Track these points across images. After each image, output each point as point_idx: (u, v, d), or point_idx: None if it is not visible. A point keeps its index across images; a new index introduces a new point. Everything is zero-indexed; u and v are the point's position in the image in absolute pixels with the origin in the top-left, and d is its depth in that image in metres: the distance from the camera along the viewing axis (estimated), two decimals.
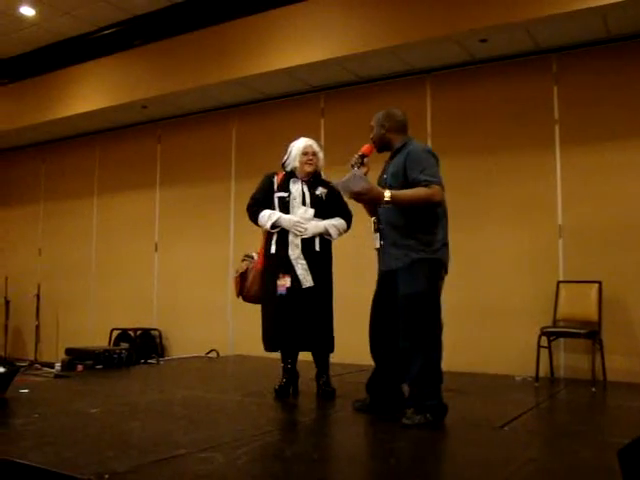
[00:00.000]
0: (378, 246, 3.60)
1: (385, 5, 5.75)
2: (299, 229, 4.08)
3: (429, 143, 6.18)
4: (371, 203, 3.53)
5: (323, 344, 4.14)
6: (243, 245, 7.06)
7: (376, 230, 3.62)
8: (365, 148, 3.66)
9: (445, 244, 3.52)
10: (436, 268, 3.46)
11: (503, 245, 5.78)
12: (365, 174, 3.51)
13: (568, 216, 5.53)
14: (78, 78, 7.79)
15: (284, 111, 7.11)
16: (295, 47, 6.18)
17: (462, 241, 5.91)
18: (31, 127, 8.35)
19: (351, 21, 5.91)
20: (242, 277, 4.37)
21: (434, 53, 5.86)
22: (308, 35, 6.11)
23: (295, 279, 4.06)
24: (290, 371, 4.25)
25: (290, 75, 6.45)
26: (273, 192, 4.23)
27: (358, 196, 3.38)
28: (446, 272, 3.56)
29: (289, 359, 4.25)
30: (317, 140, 4.43)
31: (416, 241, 3.42)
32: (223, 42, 6.60)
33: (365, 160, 3.63)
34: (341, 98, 6.78)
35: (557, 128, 5.65)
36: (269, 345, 4.20)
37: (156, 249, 7.99)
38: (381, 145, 3.68)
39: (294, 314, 4.04)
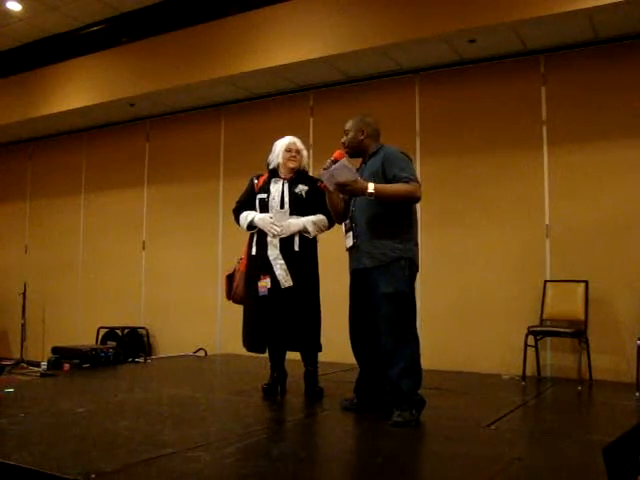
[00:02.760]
0: (351, 244, 3.62)
1: (374, 4, 5.75)
2: (272, 229, 4.07)
3: (417, 142, 6.21)
4: (353, 195, 3.53)
5: (309, 343, 4.14)
6: (232, 244, 7.06)
7: (349, 229, 3.64)
8: (337, 153, 3.67)
9: (416, 244, 3.59)
10: (412, 266, 3.51)
11: (490, 244, 5.80)
12: None
13: (555, 216, 5.57)
14: (65, 75, 7.73)
15: (273, 110, 7.10)
16: (284, 46, 6.17)
17: (450, 240, 5.97)
18: (17, 124, 8.29)
19: (340, 20, 5.91)
20: (229, 279, 4.39)
21: (423, 53, 5.87)
22: (297, 34, 6.10)
23: (275, 279, 4.05)
24: (278, 370, 4.26)
25: (279, 74, 6.43)
26: (255, 194, 4.25)
27: (342, 188, 3.42)
28: (417, 270, 3.60)
29: (277, 358, 4.25)
30: (306, 139, 4.43)
31: (392, 240, 3.46)
32: (212, 40, 6.59)
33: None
34: (330, 97, 6.77)
35: (544, 128, 5.68)
36: (248, 345, 4.21)
37: (144, 247, 7.96)
38: (357, 150, 3.72)
39: (276, 314, 4.03)
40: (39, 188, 9.08)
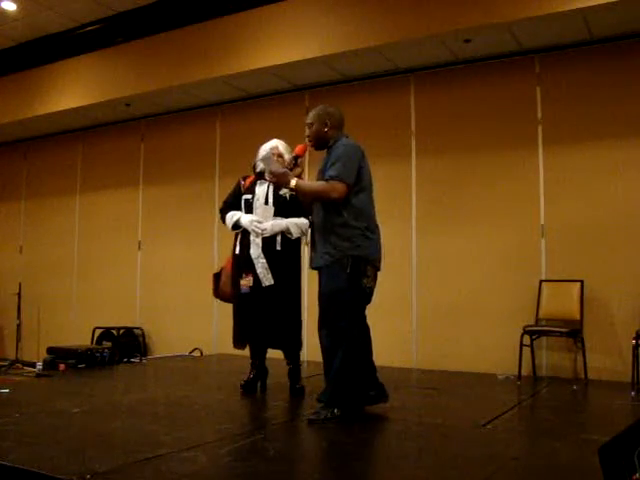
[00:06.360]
0: (309, 242, 3.67)
1: (370, 4, 5.75)
2: (256, 229, 4.13)
3: (413, 142, 6.21)
4: (280, 186, 3.66)
5: (289, 342, 4.21)
6: (227, 244, 7.04)
7: (309, 226, 3.72)
8: (298, 149, 3.69)
9: (368, 238, 3.47)
10: (357, 265, 3.41)
11: (486, 244, 5.81)
12: (299, 175, 3.65)
13: (550, 215, 5.57)
14: (60, 75, 7.71)
15: (268, 110, 7.09)
16: (279, 45, 6.17)
17: (445, 240, 5.97)
18: (13, 123, 8.25)
19: (336, 20, 5.90)
20: (216, 277, 4.51)
21: (419, 53, 5.87)
22: (292, 34, 6.10)
23: (257, 278, 4.13)
24: (258, 367, 4.36)
25: (275, 74, 6.43)
26: (241, 195, 4.32)
27: (271, 176, 3.54)
28: (374, 267, 3.50)
29: (257, 355, 4.35)
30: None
31: (336, 238, 3.44)
32: (207, 40, 6.58)
33: (299, 161, 3.70)
34: (326, 97, 6.74)
35: (540, 128, 5.69)
36: (235, 342, 4.31)
37: (139, 247, 7.94)
38: (320, 143, 3.66)
39: (257, 312, 4.12)
40: (34, 188, 9.05)
